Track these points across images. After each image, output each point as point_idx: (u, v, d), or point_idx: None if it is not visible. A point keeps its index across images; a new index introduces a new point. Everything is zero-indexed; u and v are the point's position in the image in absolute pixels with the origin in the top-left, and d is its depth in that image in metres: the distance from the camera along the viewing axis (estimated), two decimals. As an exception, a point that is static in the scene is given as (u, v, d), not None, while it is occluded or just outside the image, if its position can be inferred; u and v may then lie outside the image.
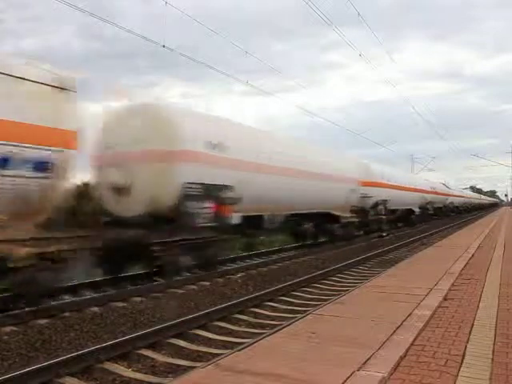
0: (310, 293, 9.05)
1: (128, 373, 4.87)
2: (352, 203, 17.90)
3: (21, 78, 6.45)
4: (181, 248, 9.30)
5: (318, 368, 3.39)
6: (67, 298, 7.96)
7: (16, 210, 6.38)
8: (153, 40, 12.44)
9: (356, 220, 18.31)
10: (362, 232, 20.23)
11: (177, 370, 4.92)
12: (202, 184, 9.56)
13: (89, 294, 8.37)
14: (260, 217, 12.12)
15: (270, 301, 8.11)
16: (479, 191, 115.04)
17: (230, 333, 6.41)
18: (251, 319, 7.11)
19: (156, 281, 9.14)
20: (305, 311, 6.50)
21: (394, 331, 4.31)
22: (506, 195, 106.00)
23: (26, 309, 6.77)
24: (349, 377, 3.18)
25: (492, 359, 3.63)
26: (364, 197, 18.92)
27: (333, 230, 16.83)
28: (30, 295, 6.78)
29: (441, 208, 40.93)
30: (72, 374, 4.68)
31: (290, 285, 9.22)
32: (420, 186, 31.77)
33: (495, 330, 4.45)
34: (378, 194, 20.50)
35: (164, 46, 12.33)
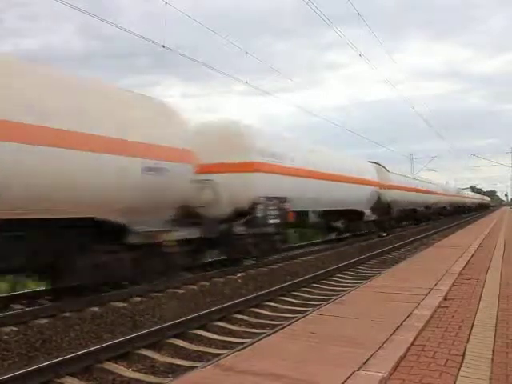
0: (310, 293, 9.04)
1: (128, 373, 4.87)
2: (372, 203, 20.41)
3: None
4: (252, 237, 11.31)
5: (317, 368, 3.39)
6: (67, 298, 7.95)
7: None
8: (153, 40, 12.43)
9: (375, 218, 20.67)
10: (377, 229, 22.26)
11: (177, 370, 4.92)
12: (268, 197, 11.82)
13: (89, 294, 8.34)
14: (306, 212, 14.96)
15: (270, 301, 8.11)
16: (479, 191, 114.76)
17: (230, 333, 6.41)
18: (251, 319, 7.11)
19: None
20: (305, 311, 6.51)
21: (394, 331, 4.31)
22: (506, 195, 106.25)
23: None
24: (349, 377, 3.17)
25: (492, 359, 3.62)
26: (381, 197, 21.32)
27: (359, 226, 19.88)
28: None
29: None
30: (72, 374, 4.68)
31: (290, 285, 9.22)
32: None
33: (495, 330, 4.44)
34: (391, 195, 22.87)
35: (164, 46, 12.32)
